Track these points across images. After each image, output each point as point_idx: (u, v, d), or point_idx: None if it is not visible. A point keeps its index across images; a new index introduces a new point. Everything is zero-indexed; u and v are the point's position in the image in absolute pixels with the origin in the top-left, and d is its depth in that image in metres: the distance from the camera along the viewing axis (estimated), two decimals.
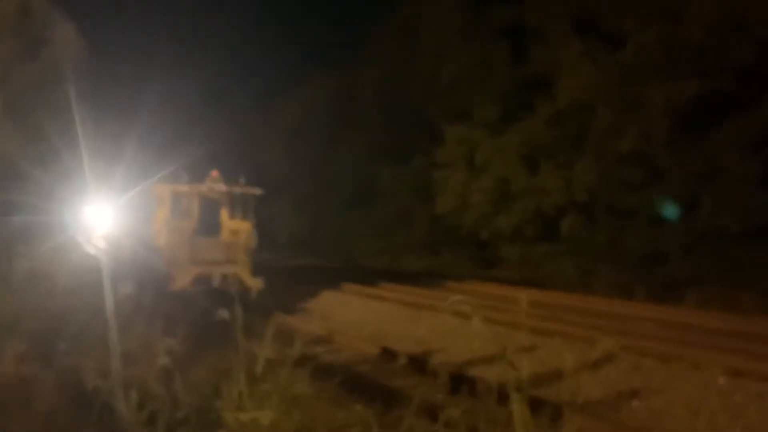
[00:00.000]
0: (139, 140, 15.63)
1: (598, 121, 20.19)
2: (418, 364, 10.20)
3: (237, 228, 15.05)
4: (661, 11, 18.50)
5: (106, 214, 13.33)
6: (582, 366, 9.43)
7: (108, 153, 14.70)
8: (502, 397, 3.24)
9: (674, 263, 18.01)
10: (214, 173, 14.86)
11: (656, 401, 8.32)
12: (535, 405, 5.29)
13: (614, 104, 19.52)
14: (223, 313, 5.22)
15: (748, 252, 16.69)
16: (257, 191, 15.52)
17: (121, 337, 6.48)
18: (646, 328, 12.39)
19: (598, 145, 20.51)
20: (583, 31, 21.81)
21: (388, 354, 10.94)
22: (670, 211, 17.25)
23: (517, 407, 3.13)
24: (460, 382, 8.79)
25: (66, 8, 14.68)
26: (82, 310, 8.58)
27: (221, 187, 14.83)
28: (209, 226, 15.07)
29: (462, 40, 26.35)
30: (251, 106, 42.27)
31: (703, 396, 8.14)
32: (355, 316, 15.05)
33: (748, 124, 17.14)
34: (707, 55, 17.70)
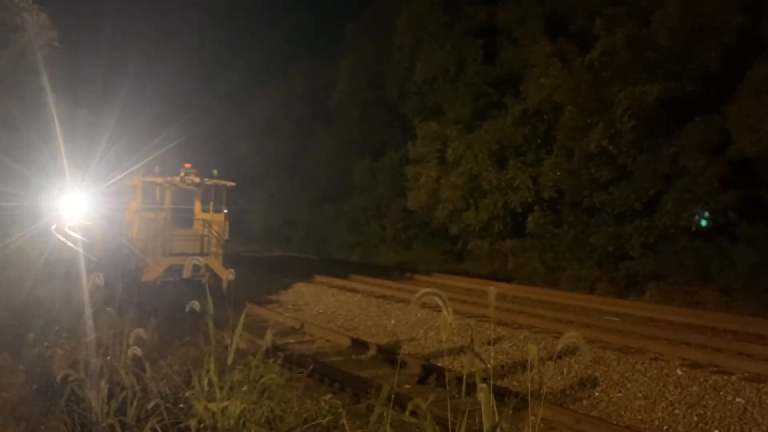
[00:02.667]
0: (114, 130, 15.42)
1: (566, 121, 20.54)
2: (388, 354, 10.35)
3: (210, 219, 15.01)
4: (629, 15, 18.89)
5: (81, 204, 13.16)
6: (546, 358, 9.69)
7: (83, 142, 14.46)
8: (469, 387, 3.37)
9: (637, 259, 18.47)
10: (187, 165, 14.78)
11: (617, 392, 8.61)
12: (501, 395, 5.47)
13: (581, 104, 19.87)
14: (194, 304, 5.23)
15: (707, 249, 17.21)
16: (230, 183, 15.50)
17: (91, 327, 6.46)
18: (609, 322, 12.73)
19: (566, 144, 20.89)
20: (553, 32, 22.17)
21: (359, 345, 11.07)
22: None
23: (484, 397, 3.24)
24: (428, 372, 8.97)
25: None
26: (52, 299, 8.51)
27: (194, 178, 14.76)
28: (182, 217, 14.99)
29: (436, 39, 26.54)
30: (227, 98, 41.84)
31: (662, 387, 8.44)
32: (326, 308, 15.15)
33: (710, 126, 17.61)
34: (672, 59, 18.14)
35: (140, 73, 26.80)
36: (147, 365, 5.12)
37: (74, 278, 9.01)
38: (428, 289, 3.29)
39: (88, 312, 6.39)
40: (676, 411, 7.87)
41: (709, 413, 7.67)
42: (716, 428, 7.38)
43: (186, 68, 34.87)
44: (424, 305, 12.49)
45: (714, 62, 17.58)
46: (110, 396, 4.87)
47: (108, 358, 5.66)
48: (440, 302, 3.23)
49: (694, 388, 8.21)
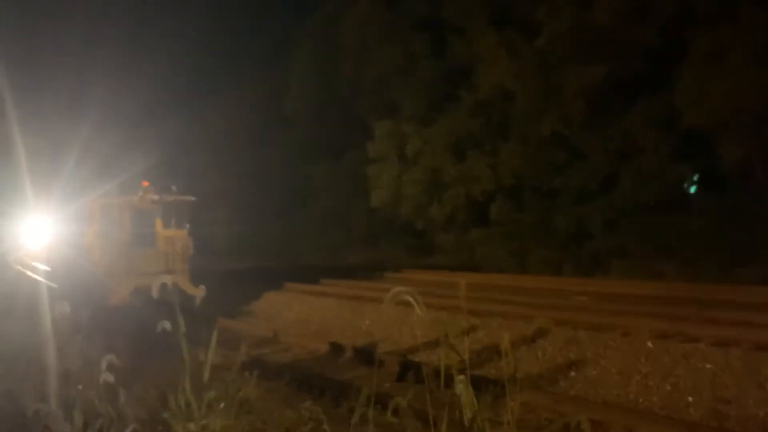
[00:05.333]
0: (78, 155, 15.07)
1: (519, 108, 20.87)
2: (365, 355, 10.35)
3: (172, 236, 14.77)
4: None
5: (42, 230, 12.83)
6: (520, 343, 9.81)
7: (47, 167, 14.11)
8: (447, 380, 3.39)
9: (598, 238, 18.86)
10: (145, 183, 14.52)
11: (592, 370, 8.76)
12: (479, 384, 5.52)
13: (532, 91, 20.22)
14: (165, 324, 5.13)
15: (665, 223, 17.69)
16: (190, 198, 15.27)
17: (60, 357, 6.29)
18: (578, 302, 12.95)
19: (520, 131, 21.22)
20: (498, 22, 22.46)
21: (334, 348, 11.04)
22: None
23: (462, 388, 3.27)
24: (406, 369, 8.99)
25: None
26: (16, 332, 8.25)
27: (152, 197, 14.50)
28: (145, 237, 14.73)
29: (383, 36, 26.63)
30: (184, 115, 41.17)
31: (634, 361, 8.60)
32: (299, 315, 15.05)
33: (657, 102, 18.13)
34: (615, 39, 18.59)
35: (106, 97, 26.17)
36: (121, 390, 5.01)
37: (37, 309, 8.75)
38: (400, 288, 3.28)
39: (55, 342, 6.22)
40: (650, 383, 8.04)
41: (681, 382, 7.85)
42: (689, 395, 7.56)
43: (152, 91, 34.07)
44: (396, 302, 12.60)
45: (655, 39, 18.07)
46: (85, 426, 4.75)
47: (80, 387, 5.52)
48: (412, 300, 3.24)
49: (665, 359, 8.37)
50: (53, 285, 9.09)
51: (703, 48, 16.72)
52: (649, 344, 8.84)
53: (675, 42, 17.70)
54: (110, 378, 4.90)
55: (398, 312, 12.57)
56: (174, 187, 14.88)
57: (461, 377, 3.25)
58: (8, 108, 12.84)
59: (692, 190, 18.41)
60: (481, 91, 22.10)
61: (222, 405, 4.85)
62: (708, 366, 7.96)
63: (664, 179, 17.88)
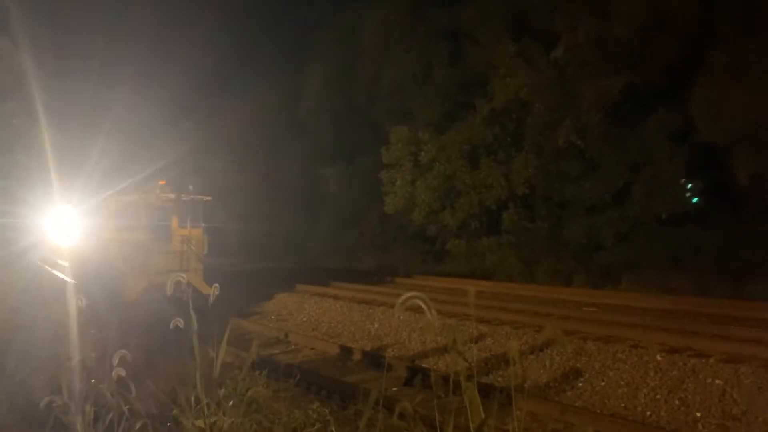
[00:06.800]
0: (99, 153, 15.32)
1: (534, 118, 20.86)
2: (373, 359, 10.40)
3: (188, 235, 14.90)
4: (590, 10, 19.30)
5: (62, 225, 13.06)
6: (529, 351, 9.82)
7: (71, 161, 14.35)
8: (455, 386, 3.42)
9: (610, 250, 18.80)
10: (162, 182, 14.67)
11: (599, 381, 8.76)
12: (486, 391, 5.56)
13: (548, 101, 20.22)
14: (178, 321, 5.21)
15: (677, 236, 17.60)
16: (206, 198, 15.41)
17: (74, 351, 6.39)
18: (587, 313, 12.93)
19: (535, 141, 21.20)
20: (516, 32, 22.49)
21: (344, 351, 11.10)
22: None
23: (470, 395, 3.29)
24: (414, 374, 9.03)
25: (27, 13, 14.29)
26: (31, 325, 8.37)
27: (169, 194, 14.65)
28: (160, 234, 14.88)
29: (402, 43, 26.77)
30: (202, 115, 41.52)
31: (643, 374, 8.60)
32: (310, 316, 15.14)
33: (673, 114, 18.09)
34: (633, 51, 18.58)
35: (127, 96, 26.45)
36: (132, 385, 5.08)
37: (55, 301, 8.89)
38: (412, 293, 3.30)
39: (73, 335, 6.31)
40: (658, 396, 8.03)
41: (689, 396, 7.83)
42: (697, 411, 7.54)
43: (171, 91, 34.36)
44: (406, 308, 12.64)
45: (673, 52, 18.05)
46: (96, 419, 4.82)
47: (93, 381, 5.60)
48: (423, 305, 3.28)
49: (674, 373, 8.37)
50: (71, 281, 9.23)
51: (721, 61, 16.68)
52: (658, 357, 8.84)
53: (693, 55, 17.68)
54: (122, 372, 4.99)
55: (407, 317, 12.63)
56: (191, 186, 15.02)
57: (469, 384, 3.27)
58: (37, 105, 13.09)
59: (693, 200, 18.39)
60: (497, 101, 22.11)
61: (231, 403, 4.92)
62: (717, 381, 7.94)
63: (678, 192, 17.82)
